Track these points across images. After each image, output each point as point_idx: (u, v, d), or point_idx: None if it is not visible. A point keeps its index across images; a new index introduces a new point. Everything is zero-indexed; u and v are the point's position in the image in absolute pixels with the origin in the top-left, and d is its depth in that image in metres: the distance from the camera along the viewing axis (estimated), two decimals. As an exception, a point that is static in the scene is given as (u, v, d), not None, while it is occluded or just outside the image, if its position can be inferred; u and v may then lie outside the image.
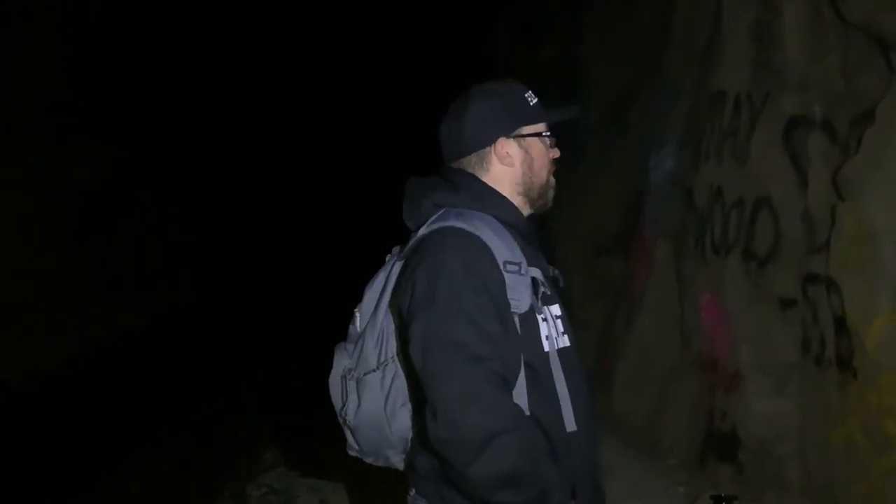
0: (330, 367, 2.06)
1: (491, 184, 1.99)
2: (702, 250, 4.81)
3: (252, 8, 17.73)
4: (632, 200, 6.10)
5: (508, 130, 1.98)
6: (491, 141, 1.98)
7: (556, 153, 2.04)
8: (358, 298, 2.07)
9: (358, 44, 19.86)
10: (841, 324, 3.66)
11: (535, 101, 2.01)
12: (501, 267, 1.83)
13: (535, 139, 2.00)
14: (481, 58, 14.33)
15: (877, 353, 3.45)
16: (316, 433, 6.08)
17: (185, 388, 7.95)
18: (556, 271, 2.06)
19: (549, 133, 2.01)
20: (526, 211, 2.02)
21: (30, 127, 10.71)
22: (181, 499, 5.42)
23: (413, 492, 1.97)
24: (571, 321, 2.02)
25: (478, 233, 1.86)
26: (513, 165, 1.99)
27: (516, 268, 1.84)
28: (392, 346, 1.92)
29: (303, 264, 16.00)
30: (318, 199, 19.34)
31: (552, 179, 2.05)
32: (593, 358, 5.95)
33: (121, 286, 11.58)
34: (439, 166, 2.07)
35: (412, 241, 1.96)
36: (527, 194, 2.01)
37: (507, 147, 1.98)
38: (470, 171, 2.00)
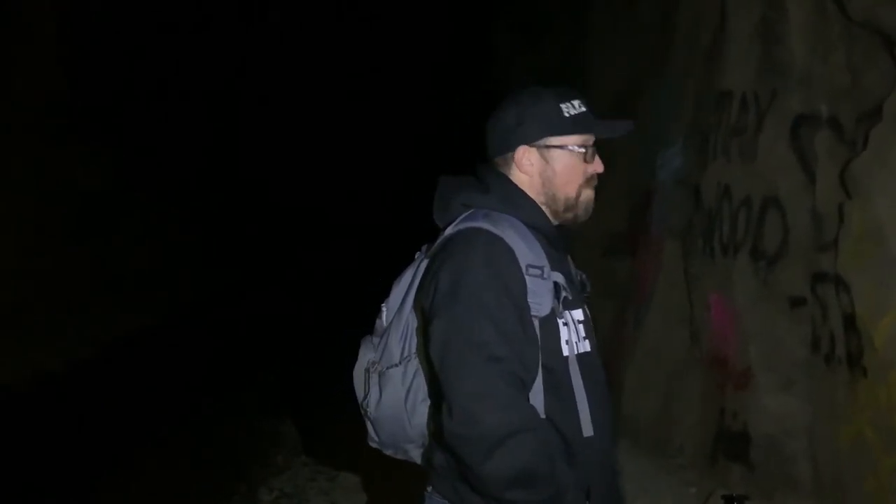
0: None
1: None
2: (710, 249, 4.81)
3: (252, 8, 17.72)
4: (638, 200, 6.11)
5: (531, 139, 1.98)
6: (512, 147, 1.99)
7: (597, 167, 2.01)
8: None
9: (358, 44, 19.84)
10: (850, 321, 3.67)
11: (576, 112, 1.97)
12: (524, 270, 1.85)
13: (563, 151, 1.98)
14: (481, 58, 14.33)
15: (886, 350, 3.46)
16: (319, 434, 6.10)
17: (185, 388, 7.95)
18: (584, 276, 2.06)
19: (578, 147, 1.98)
20: (553, 220, 2.01)
21: (30, 127, 10.69)
22: (189, 501, 5.42)
23: (430, 488, 1.99)
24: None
25: (503, 235, 1.87)
26: (531, 175, 1.99)
27: (539, 271, 1.86)
28: (416, 341, 1.94)
29: (303, 264, 16.01)
30: (318, 199, 19.34)
31: (586, 193, 2.01)
32: (602, 357, 5.94)
33: (121, 286, 11.57)
34: (467, 165, 2.09)
35: (439, 241, 1.98)
36: (549, 205, 2.00)
37: (528, 156, 1.99)
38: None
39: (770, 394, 4.26)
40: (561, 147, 1.97)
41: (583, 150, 1.98)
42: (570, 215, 2.01)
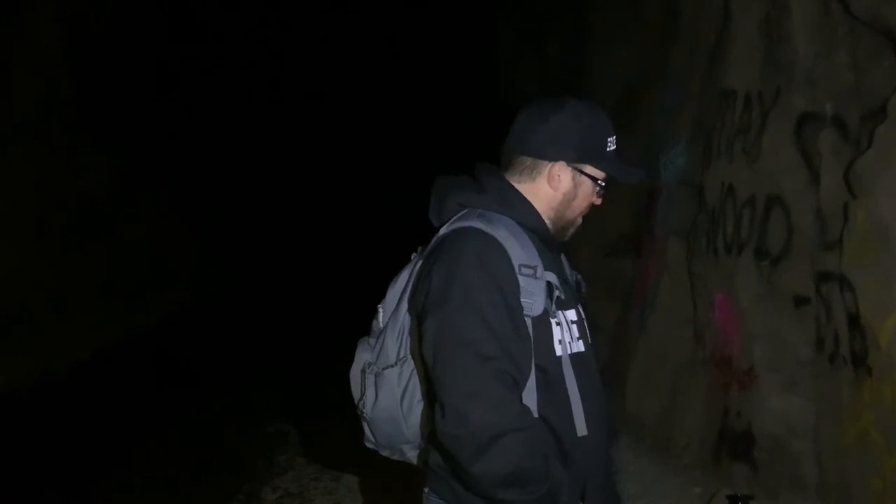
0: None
1: (526, 192, 2.00)
2: (714, 249, 4.81)
3: (256, 12, 17.75)
4: (642, 200, 6.10)
5: (573, 159, 1.99)
6: (553, 158, 1.98)
7: (598, 201, 2.05)
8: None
9: (360, 46, 19.85)
10: (854, 321, 3.66)
11: (614, 149, 2.01)
12: (516, 270, 1.86)
13: (590, 181, 2.01)
14: (484, 58, 14.33)
15: (890, 349, 3.44)
16: (323, 433, 6.11)
17: (188, 388, 7.97)
18: (579, 277, 2.08)
19: (605, 183, 2.02)
20: None
21: (33, 129, 10.73)
22: (192, 501, 5.43)
23: (427, 489, 2.01)
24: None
25: (495, 234, 1.88)
26: (556, 191, 2.00)
27: (531, 271, 1.87)
28: (411, 342, 1.96)
29: (306, 265, 16.02)
30: (320, 200, 19.36)
31: (579, 220, 2.07)
32: (605, 358, 5.95)
33: (123, 287, 11.60)
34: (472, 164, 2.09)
35: (433, 240, 1.99)
36: (551, 220, 2.02)
37: (563, 172, 2.00)
38: (516, 170, 2.02)
39: (774, 393, 4.25)
40: (591, 177, 2.00)
41: (603, 185, 2.02)
42: (561, 235, 2.05)
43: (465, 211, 1.98)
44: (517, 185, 2.00)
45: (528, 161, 2.00)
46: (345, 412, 2.40)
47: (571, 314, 1.97)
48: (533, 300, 1.86)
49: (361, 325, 2.23)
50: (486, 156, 2.19)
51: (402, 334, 1.96)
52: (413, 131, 19.39)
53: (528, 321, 1.86)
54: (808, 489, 4.03)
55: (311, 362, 8.26)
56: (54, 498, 5.47)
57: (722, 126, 4.82)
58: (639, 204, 6.20)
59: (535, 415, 1.85)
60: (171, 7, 14.38)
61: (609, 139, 2.00)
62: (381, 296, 2.10)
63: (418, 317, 1.91)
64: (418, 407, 1.95)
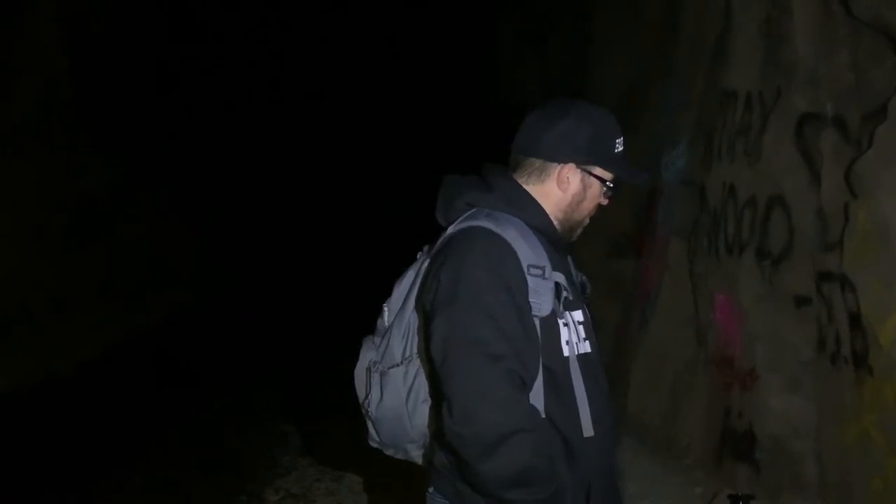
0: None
1: (534, 194, 2.00)
2: (715, 249, 4.81)
3: (256, 10, 17.75)
4: (643, 200, 6.10)
5: (582, 160, 1.99)
6: (563, 161, 1.99)
7: (606, 202, 2.07)
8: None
9: (361, 48, 19.84)
10: (856, 321, 3.66)
11: (621, 150, 2.02)
12: (525, 270, 1.86)
13: (598, 183, 2.01)
14: (484, 58, 14.33)
15: (892, 349, 3.45)
16: (325, 434, 6.10)
17: (190, 388, 7.97)
18: (583, 277, 2.08)
19: (612, 184, 2.03)
20: None
21: (32, 131, 10.72)
22: (193, 501, 5.43)
23: (431, 489, 2.01)
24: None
25: (504, 234, 1.88)
26: (565, 193, 2.01)
27: (540, 272, 1.87)
28: (417, 341, 1.95)
29: (306, 265, 16.01)
30: (321, 200, 19.35)
31: (587, 221, 2.08)
32: (607, 358, 5.94)
33: (126, 289, 11.59)
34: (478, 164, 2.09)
35: (441, 240, 1.99)
36: (560, 221, 2.02)
37: (572, 174, 2.00)
38: (524, 171, 2.02)
39: (776, 394, 4.25)
40: (600, 178, 2.01)
41: (611, 186, 2.03)
42: (568, 236, 2.06)
43: (472, 210, 1.98)
44: (525, 187, 2.01)
45: (538, 163, 2.00)
46: (345, 412, 2.40)
47: (578, 315, 1.97)
48: (541, 300, 1.86)
49: (362, 325, 2.23)
50: (486, 156, 2.19)
51: (409, 333, 1.96)
52: (413, 131, 19.37)
53: (536, 321, 1.86)
54: (809, 489, 4.04)
55: (311, 362, 8.25)
56: (54, 498, 5.46)
57: (723, 126, 4.82)
58: (640, 204, 6.19)
59: (542, 415, 1.86)
60: (171, 7, 14.38)
61: (617, 140, 2.01)
62: (381, 296, 2.09)
63: (425, 316, 1.91)
64: (423, 406, 1.94)
